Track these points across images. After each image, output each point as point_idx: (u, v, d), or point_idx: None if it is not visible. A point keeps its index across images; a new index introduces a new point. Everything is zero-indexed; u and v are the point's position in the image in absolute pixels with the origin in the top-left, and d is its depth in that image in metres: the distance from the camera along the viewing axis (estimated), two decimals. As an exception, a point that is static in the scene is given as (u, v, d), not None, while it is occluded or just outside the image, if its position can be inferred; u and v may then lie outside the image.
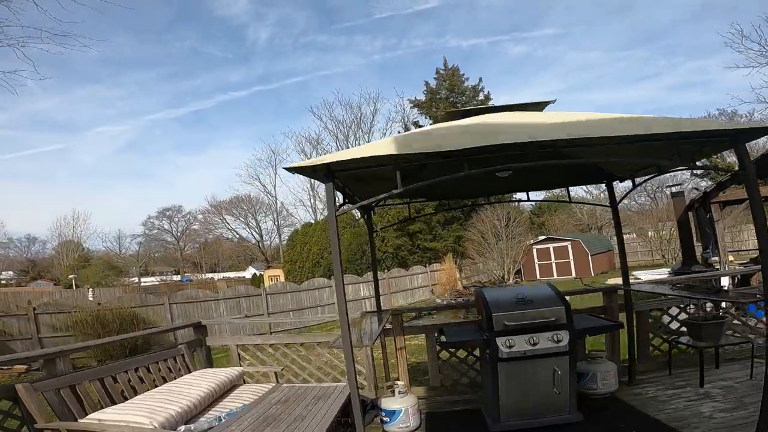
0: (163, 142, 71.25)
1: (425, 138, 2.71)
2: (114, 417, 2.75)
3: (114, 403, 3.18)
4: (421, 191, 4.66)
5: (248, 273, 42.97)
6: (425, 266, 21.89)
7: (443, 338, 3.80)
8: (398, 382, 4.10)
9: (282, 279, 30.33)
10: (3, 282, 52.64)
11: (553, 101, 3.57)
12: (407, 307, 6.51)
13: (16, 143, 66.47)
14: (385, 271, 19.86)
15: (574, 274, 25.60)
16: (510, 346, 3.29)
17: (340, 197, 3.49)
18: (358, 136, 38.44)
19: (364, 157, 2.46)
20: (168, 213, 55.83)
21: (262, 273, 34.75)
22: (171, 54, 62.92)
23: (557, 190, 35.87)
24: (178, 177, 74.19)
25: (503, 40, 60.50)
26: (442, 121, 3.49)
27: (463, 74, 30.13)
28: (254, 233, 46.48)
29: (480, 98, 29.87)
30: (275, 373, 4.40)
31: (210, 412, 3.34)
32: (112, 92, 64.40)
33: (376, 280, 5.01)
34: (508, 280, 23.49)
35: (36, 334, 9.90)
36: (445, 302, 20.02)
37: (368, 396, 4.74)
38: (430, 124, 29.56)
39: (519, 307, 3.41)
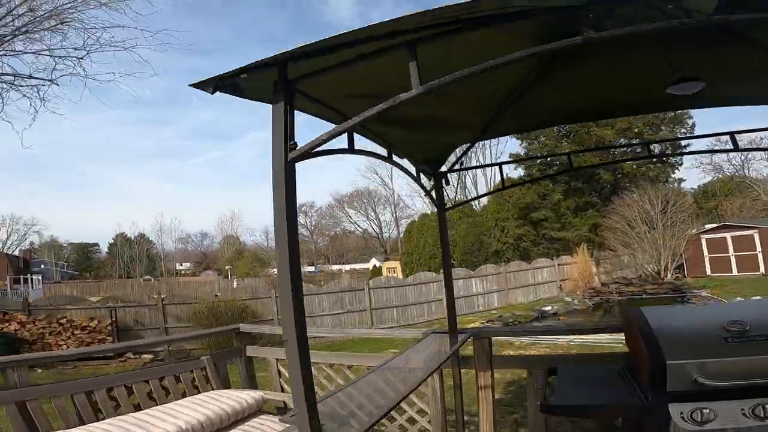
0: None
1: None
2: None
3: (68, 427, 2.56)
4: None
5: (371, 264, 44.30)
6: (552, 259, 19.01)
7: (553, 380, 2.26)
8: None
9: (399, 271, 30.14)
10: (182, 272, 64.47)
11: None
12: (496, 329, 4.38)
13: (189, 152, 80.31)
14: (503, 264, 17.75)
15: (763, 271, 19.61)
16: (703, 421, 1.65)
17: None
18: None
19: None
20: (303, 208, 61.09)
21: (381, 265, 35.20)
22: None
23: (726, 158, 28.03)
24: (312, 175, 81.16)
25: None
26: None
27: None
28: (374, 225, 47.77)
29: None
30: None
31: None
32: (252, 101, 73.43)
33: (448, 280, 3.52)
34: (665, 276, 19.04)
35: (163, 324, 10.88)
36: (576, 302, 17.04)
37: (431, 444, 3.42)
38: None
39: (734, 348, 1.71)
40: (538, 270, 17.82)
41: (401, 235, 36.96)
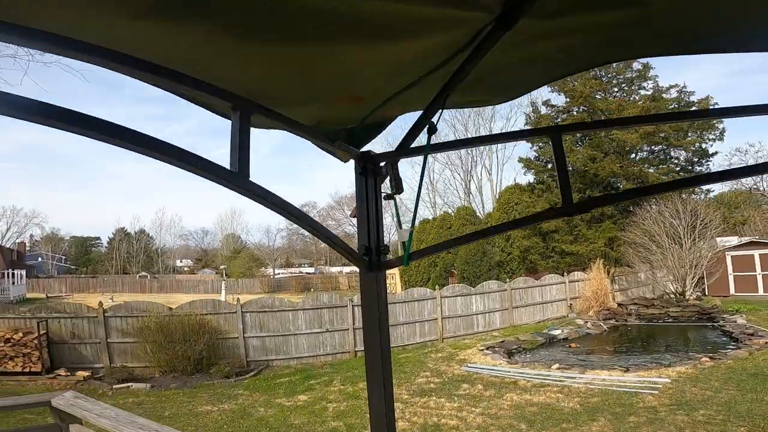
0: (303, 144, 77.36)
1: None
2: None
3: None
4: None
5: (371, 270, 42.72)
6: (562, 275, 17.19)
7: None
8: None
9: (397, 279, 28.48)
10: (181, 269, 63.29)
11: None
12: None
13: (195, 148, 79.59)
14: (506, 276, 15.97)
15: (796, 295, 17.69)
16: None
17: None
18: (478, 124, 34.58)
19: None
20: (305, 208, 59.60)
21: (379, 271, 33.54)
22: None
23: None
24: (314, 176, 79.89)
25: None
26: None
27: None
28: (375, 230, 46.29)
29: (633, 73, 23.43)
30: None
31: None
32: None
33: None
34: (687, 296, 17.13)
35: (105, 339, 9.32)
36: (588, 324, 15.20)
37: None
38: (567, 102, 24.19)
39: None
40: (546, 287, 16.00)
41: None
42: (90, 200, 75.19)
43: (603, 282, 16.98)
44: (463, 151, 36.06)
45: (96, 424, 2.39)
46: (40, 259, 54.57)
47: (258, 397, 7.34)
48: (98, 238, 67.82)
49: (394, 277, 29.59)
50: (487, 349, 11.44)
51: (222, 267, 44.20)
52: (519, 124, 40.02)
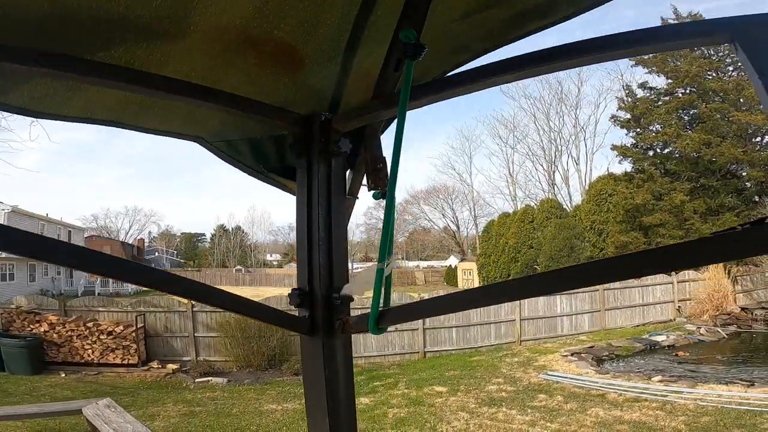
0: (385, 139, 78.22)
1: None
2: None
3: None
4: None
5: (449, 262, 41.82)
6: (669, 274, 14.96)
7: None
8: None
9: (475, 273, 27.49)
10: (271, 263, 67.95)
11: None
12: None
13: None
14: (598, 277, 14.29)
15: None
16: None
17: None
18: (561, 112, 31.80)
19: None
20: (381, 204, 60.38)
21: (456, 266, 32.59)
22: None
23: None
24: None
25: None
26: None
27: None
28: (451, 223, 45.23)
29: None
30: None
31: None
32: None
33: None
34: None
35: (192, 333, 10.04)
36: (702, 330, 13.04)
37: None
38: (670, 83, 20.87)
39: None
40: (648, 288, 14.05)
41: (479, 233, 34.00)
42: (195, 199, 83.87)
43: (721, 282, 14.50)
44: (545, 140, 33.56)
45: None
46: (156, 254, 62.16)
47: (322, 397, 7.32)
48: (203, 234, 75.52)
49: (471, 272, 28.63)
50: (572, 355, 10.31)
51: (306, 261, 46.45)
52: (611, 109, 36.06)
